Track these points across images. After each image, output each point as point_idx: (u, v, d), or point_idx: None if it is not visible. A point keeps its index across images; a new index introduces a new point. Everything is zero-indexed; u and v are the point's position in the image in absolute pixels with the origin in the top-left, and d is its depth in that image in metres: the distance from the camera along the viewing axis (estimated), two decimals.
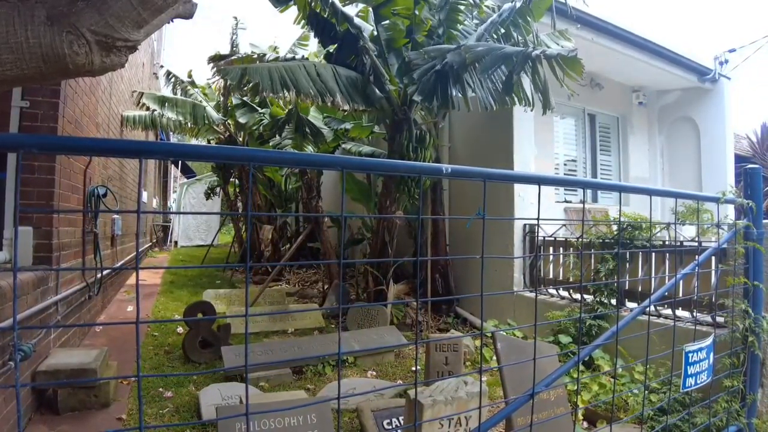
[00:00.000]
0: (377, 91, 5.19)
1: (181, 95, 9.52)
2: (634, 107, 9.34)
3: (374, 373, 4.81)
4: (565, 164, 8.58)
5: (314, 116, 6.93)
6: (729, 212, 5.61)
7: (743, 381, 3.01)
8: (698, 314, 4.00)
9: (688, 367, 2.55)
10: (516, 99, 5.02)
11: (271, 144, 6.55)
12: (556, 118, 8.52)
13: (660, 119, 9.75)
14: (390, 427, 3.40)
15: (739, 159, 10.73)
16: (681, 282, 4.35)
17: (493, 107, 4.86)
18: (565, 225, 5.28)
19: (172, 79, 9.88)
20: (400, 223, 5.90)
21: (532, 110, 5.44)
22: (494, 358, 3.47)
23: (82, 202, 5.59)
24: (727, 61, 8.59)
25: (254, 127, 7.11)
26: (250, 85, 4.33)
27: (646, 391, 3.82)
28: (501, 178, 2.00)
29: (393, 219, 5.69)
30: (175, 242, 16.86)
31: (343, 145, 6.72)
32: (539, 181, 1.99)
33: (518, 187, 5.84)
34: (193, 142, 16.38)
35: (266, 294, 7.54)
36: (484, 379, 4.33)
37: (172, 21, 2.73)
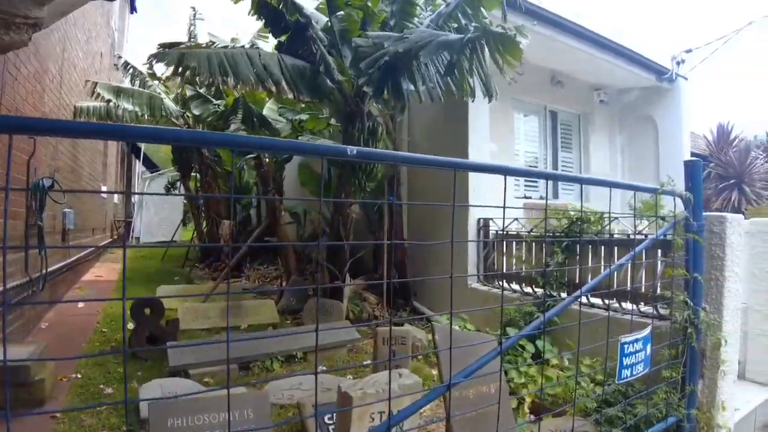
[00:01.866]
0: (328, 81, 5.11)
1: (139, 86, 9.25)
2: (596, 105, 9.47)
3: (324, 368, 4.75)
4: (526, 162, 8.65)
5: (271, 108, 6.82)
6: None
7: (682, 372, 3.04)
8: (642, 306, 4.05)
9: (624, 358, 2.55)
10: (454, 87, 4.94)
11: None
12: (518, 114, 8.59)
13: (621, 117, 9.92)
14: (330, 422, 3.34)
15: (697, 158, 11.00)
16: (629, 274, 4.43)
17: (441, 98, 4.83)
18: (516, 219, 5.30)
19: (131, 70, 9.59)
20: (356, 217, 5.84)
21: (472, 100, 5.37)
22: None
23: (24, 194, 5.37)
24: (684, 61, 8.78)
25: (208, 119, 6.95)
26: (188, 70, 4.20)
27: (592, 383, 3.87)
28: (466, 167, 1.98)
29: (348, 213, 5.63)
30: (137, 238, 16.45)
31: (300, 138, 6.61)
32: (506, 171, 1.97)
33: (473, 181, 5.85)
34: None
35: (220, 289, 7.40)
36: (433, 372, 4.32)
37: None
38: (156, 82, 9.93)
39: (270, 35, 7.75)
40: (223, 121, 6.07)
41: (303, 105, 6.46)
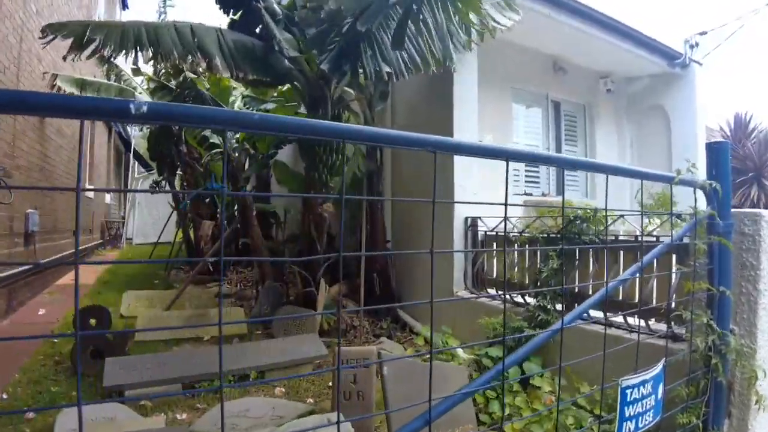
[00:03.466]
0: (286, 61, 4.49)
1: (114, 80, 8.69)
2: (602, 94, 8.78)
3: (283, 389, 4.14)
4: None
5: (236, 96, 6.24)
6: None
7: (704, 414, 2.38)
8: (652, 322, 3.39)
9: (626, 408, 1.90)
10: (419, 58, 4.26)
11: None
12: (517, 105, 7.94)
13: (629, 107, 9.21)
14: None
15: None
16: (637, 284, 3.77)
17: (402, 74, 4.20)
18: (507, 218, 4.65)
19: (105, 65, 9.00)
20: (328, 217, 5.23)
21: (422, 72, 4.62)
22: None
23: None
24: (697, 45, 8.05)
25: None
26: (92, 44, 3.60)
27: (591, 416, 3.22)
28: (453, 149, 1.40)
29: (320, 212, 5.03)
30: (129, 239, 15.98)
31: None
32: (507, 155, 1.48)
33: (458, 177, 5.21)
34: (129, 128, 15.53)
35: (193, 296, 6.83)
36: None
37: None
38: (142, 77, 9.37)
39: None
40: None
41: (275, 93, 5.87)
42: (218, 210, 9.48)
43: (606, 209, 1.89)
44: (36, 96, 0.95)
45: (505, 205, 1.48)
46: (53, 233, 8.54)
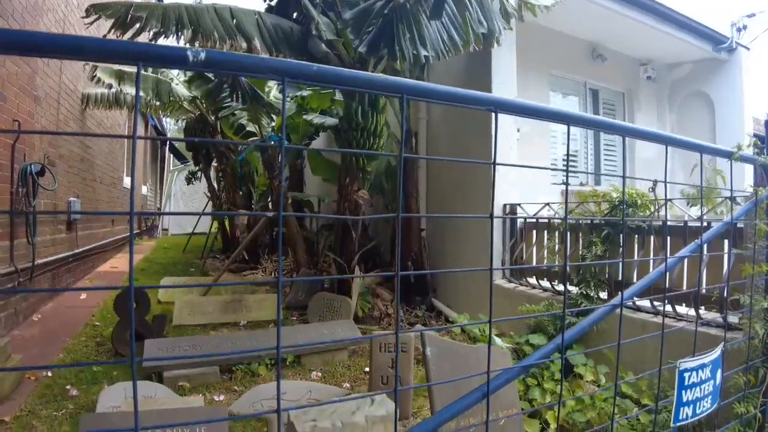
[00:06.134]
0: (323, 45, 4.45)
1: (151, 72, 8.82)
2: (642, 82, 8.49)
3: (319, 374, 4.13)
4: (563, 143, 7.80)
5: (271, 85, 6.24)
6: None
7: (762, 404, 2.25)
8: (703, 311, 3.23)
9: (683, 391, 1.78)
10: (458, 38, 4.13)
11: (220, 115, 5.84)
12: (554, 93, 7.74)
13: (671, 95, 8.86)
14: None
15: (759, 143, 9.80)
16: (684, 271, 3.61)
17: (443, 54, 4.09)
18: (548, 204, 4.53)
19: None
20: (364, 205, 5.18)
21: (461, 52, 4.49)
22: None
23: (8, 180, 5.00)
24: (745, 27, 7.69)
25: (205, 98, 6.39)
26: (137, 22, 3.61)
27: (636, 406, 3.09)
28: (515, 108, 1.35)
29: (356, 199, 5.00)
30: (165, 230, 16.32)
31: (305, 116, 5.97)
32: (568, 119, 1.42)
33: (498, 158, 5.08)
34: (165, 121, 15.78)
35: (224, 282, 6.91)
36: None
37: None
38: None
39: None
40: (211, 100, 5.49)
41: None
42: (253, 201, 9.56)
43: (666, 181, 1.78)
44: (95, 42, 0.93)
45: (566, 170, 1.39)
46: (93, 221, 8.75)
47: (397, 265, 1.30)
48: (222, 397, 3.68)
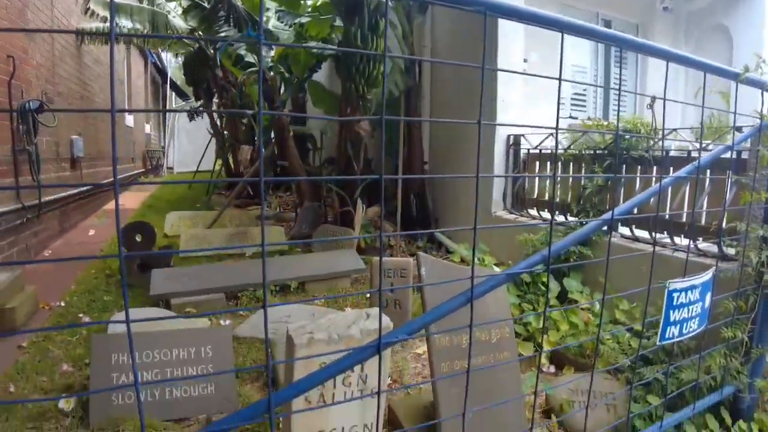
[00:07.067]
0: None
1: (147, 3, 8.52)
2: (658, 13, 8.11)
3: (322, 300, 4.25)
4: (573, 75, 7.59)
5: (273, 9, 6.01)
6: None
7: (750, 331, 2.31)
8: (701, 242, 3.24)
9: (671, 311, 1.83)
10: None
11: (218, 45, 5.65)
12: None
13: (687, 28, 8.47)
14: None
15: None
16: (685, 201, 3.59)
17: None
18: (552, 134, 4.46)
19: None
20: (365, 135, 5.13)
21: None
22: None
23: (8, 118, 4.97)
24: None
25: (201, 28, 6.16)
26: None
27: (629, 334, 3.17)
28: (507, 12, 1.29)
29: (357, 131, 4.94)
30: (170, 168, 16.33)
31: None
32: (561, 26, 1.40)
33: (501, 91, 4.98)
34: (164, 55, 15.45)
35: (233, 216, 6.99)
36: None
37: None
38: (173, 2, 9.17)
39: None
40: (206, 25, 5.31)
41: (309, 8, 5.63)
42: (256, 135, 9.49)
43: (664, 98, 1.74)
44: None
45: (559, 80, 1.36)
46: (97, 159, 8.76)
47: (380, 234, 1.30)
48: (228, 322, 3.80)
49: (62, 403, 2.57)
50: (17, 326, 3.63)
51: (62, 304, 4.21)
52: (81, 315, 3.98)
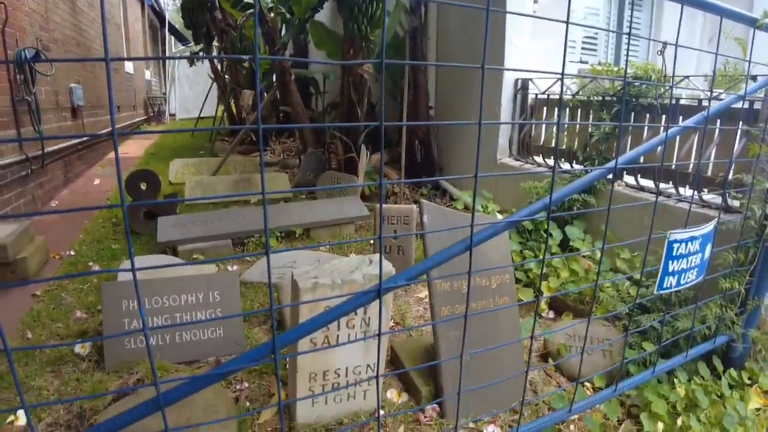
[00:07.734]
0: None
1: None
2: None
3: (327, 246, 4.31)
4: (585, 17, 7.31)
5: None
6: None
7: (747, 282, 2.33)
8: (705, 194, 3.21)
9: (670, 261, 1.84)
10: None
11: None
12: None
13: None
14: None
15: None
16: (693, 151, 3.53)
17: None
18: (560, 79, 4.35)
19: None
20: (369, 78, 5.01)
21: None
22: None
23: (5, 67, 4.88)
24: None
25: None
26: None
27: (628, 282, 3.20)
28: None
29: (360, 74, 4.83)
30: (172, 115, 16.16)
31: None
32: None
33: (510, 33, 4.82)
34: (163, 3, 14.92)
35: (237, 163, 6.97)
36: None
37: None
38: None
39: None
40: None
41: None
42: (255, 79, 9.30)
43: (676, 44, 1.68)
44: None
45: (566, 23, 1.31)
46: (98, 108, 8.65)
47: (380, 203, 1.28)
48: (235, 267, 3.88)
49: (78, 348, 2.68)
50: (30, 276, 3.71)
51: (72, 253, 4.29)
52: (91, 264, 4.05)
